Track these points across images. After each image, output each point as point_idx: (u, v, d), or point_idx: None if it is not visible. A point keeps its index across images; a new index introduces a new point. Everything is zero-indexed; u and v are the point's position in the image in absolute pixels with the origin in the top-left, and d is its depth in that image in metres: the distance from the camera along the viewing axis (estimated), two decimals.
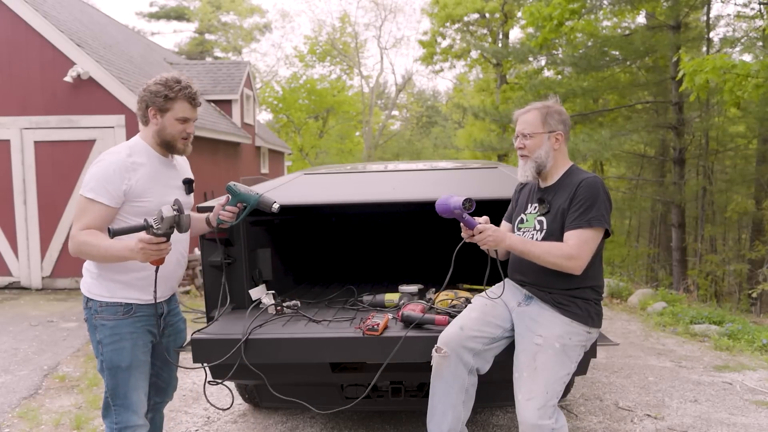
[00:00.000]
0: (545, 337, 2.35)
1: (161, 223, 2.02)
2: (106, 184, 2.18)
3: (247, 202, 2.49)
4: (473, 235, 2.33)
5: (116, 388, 2.29)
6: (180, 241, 2.39)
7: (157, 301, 2.33)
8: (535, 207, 2.51)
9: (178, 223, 2.07)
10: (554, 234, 2.40)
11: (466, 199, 2.27)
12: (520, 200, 2.63)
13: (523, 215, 2.56)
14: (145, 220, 2.03)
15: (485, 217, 2.38)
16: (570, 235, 2.34)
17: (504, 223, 2.72)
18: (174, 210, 2.05)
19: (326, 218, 4.49)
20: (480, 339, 2.41)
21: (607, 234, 2.39)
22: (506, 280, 2.56)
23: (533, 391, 2.29)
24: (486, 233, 2.30)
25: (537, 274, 2.44)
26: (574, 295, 2.40)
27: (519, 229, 2.55)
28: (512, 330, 2.48)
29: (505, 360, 2.49)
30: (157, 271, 2.21)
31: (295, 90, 27.30)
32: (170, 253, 2.19)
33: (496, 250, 2.44)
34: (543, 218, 2.46)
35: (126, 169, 2.22)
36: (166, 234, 2.06)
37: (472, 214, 2.35)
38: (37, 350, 5.40)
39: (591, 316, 2.42)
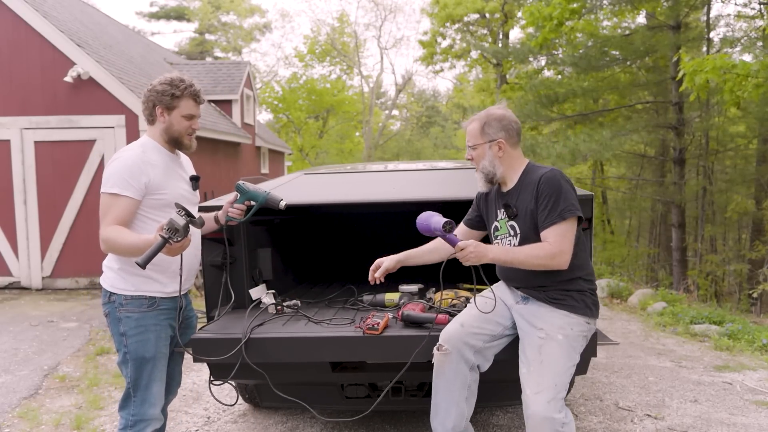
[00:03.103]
0: (547, 330, 2.37)
1: (177, 234, 2.08)
2: (129, 178, 2.26)
3: (255, 200, 2.56)
4: (455, 253, 2.36)
5: (139, 379, 2.35)
6: (194, 233, 2.46)
7: (179, 293, 2.42)
8: (503, 212, 2.54)
9: (192, 223, 2.14)
10: (529, 235, 2.42)
11: (446, 222, 2.31)
12: (489, 208, 2.64)
13: (496, 223, 2.58)
14: (161, 236, 2.07)
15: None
16: (547, 234, 2.35)
17: (462, 226, 2.75)
18: (183, 216, 2.11)
19: (326, 218, 4.49)
20: (481, 336, 2.43)
21: (580, 220, 2.41)
22: (500, 282, 2.61)
23: (541, 384, 2.30)
24: (467, 250, 2.32)
25: (525, 277, 2.46)
26: (567, 288, 2.42)
27: (496, 237, 2.58)
28: (512, 327, 2.50)
29: (505, 359, 2.49)
30: (181, 258, 2.30)
31: (295, 90, 27.31)
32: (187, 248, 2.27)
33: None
34: (514, 222, 2.48)
35: (144, 163, 2.31)
36: (184, 237, 2.13)
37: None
38: (37, 350, 5.40)
39: (588, 307, 2.44)
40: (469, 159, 2.54)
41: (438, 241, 2.67)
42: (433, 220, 2.35)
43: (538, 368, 2.33)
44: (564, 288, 2.41)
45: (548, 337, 2.35)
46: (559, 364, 2.33)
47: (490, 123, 2.47)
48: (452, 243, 2.36)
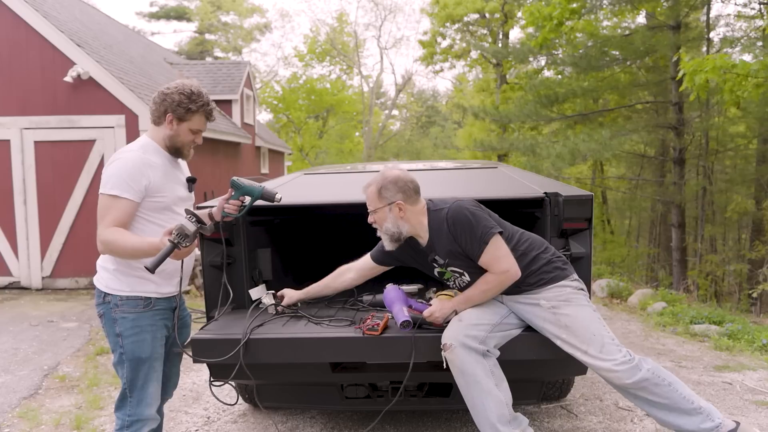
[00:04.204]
0: (548, 302, 2.48)
1: (187, 239, 2.11)
2: (128, 180, 2.24)
3: (251, 195, 2.56)
4: (425, 319, 2.54)
5: (135, 380, 2.34)
6: None
7: (173, 294, 2.42)
8: (437, 266, 2.63)
9: (201, 229, 2.19)
10: (474, 269, 2.52)
11: (405, 321, 2.49)
12: (420, 263, 2.72)
13: (438, 270, 2.66)
14: (170, 241, 2.09)
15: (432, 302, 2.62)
16: (483, 262, 2.47)
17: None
18: (193, 222, 2.14)
19: (326, 218, 4.49)
20: (481, 326, 2.47)
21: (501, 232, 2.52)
22: None
23: (583, 343, 2.40)
24: (434, 316, 2.51)
25: None
26: (535, 270, 2.52)
27: (447, 281, 2.68)
28: (508, 317, 2.56)
29: (506, 360, 2.50)
30: (182, 262, 2.32)
31: (295, 90, 27.32)
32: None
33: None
34: (453, 267, 2.58)
35: (144, 165, 2.29)
36: (193, 242, 2.18)
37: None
38: (37, 350, 5.40)
39: (561, 269, 2.55)
40: (371, 222, 2.62)
41: (331, 278, 2.90)
42: (394, 309, 2.57)
43: (568, 334, 2.42)
44: (533, 272, 2.52)
45: (553, 305, 2.46)
46: (582, 318, 2.43)
47: (386, 186, 2.55)
48: (419, 311, 2.57)
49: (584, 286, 2.60)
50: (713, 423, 2.42)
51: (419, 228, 2.57)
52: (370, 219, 2.62)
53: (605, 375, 2.41)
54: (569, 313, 2.43)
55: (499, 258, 2.44)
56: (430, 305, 2.58)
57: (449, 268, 2.59)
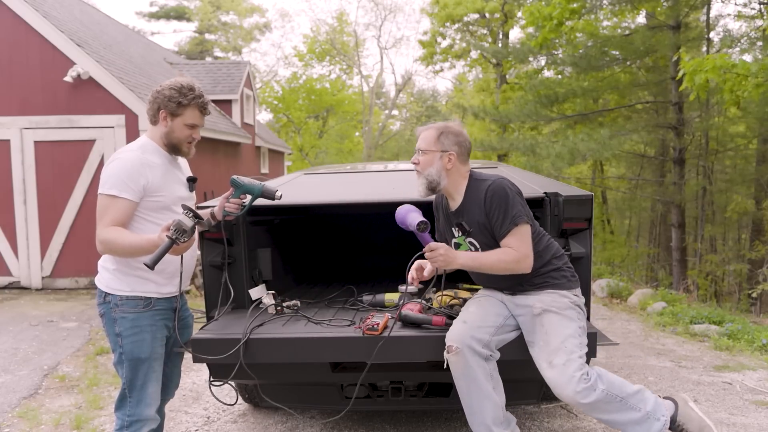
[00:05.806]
0: (541, 306, 2.46)
1: (185, 234, 2.12)
2: (127, 180, 2.25)
3: (251, 193, 2.56)
4: (424, 251, 2.46)
5: (134, 380, 2.34)
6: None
7: (174, 294, 2.42)
8: (458, 231, 2.60)
9: (199, 224, 2.19)
10: (491, 246, 2.50)
11: (421, 222, 2.40)
12: (444, 226, 2.70)
13: (455, 240, 2.64)
14: (168, 237, 2.10)
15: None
16: (507, 242, 2.43)
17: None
18: (191, 217, 2.15)
19: (326, 218, 4.49)
20: (485, 329, 2.46)
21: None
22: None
23: (552, 352, 2.38)
24: (437, 252, 2.41)
25: (503, 282, 2.57)
26: (542, 273, 2.52)
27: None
28: (509, 318, 2.56)
29: (505, 361, 2.50)
30: (182, 259, 2.32)
31: (294, 90, 27.32)
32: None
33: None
34: (471, 239, 2.56)
35: (143, 165, 2.30)
36: (191, 237, 2.18)
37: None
38: (37, 350, 5.40)
39: (568, 279, 2.54)
40: (414, 163, 2.58)
41: None
42: (409, 216, 2.45)
43: (544, 339, 2.41)
44: (541, 273, 2.51)
45: (544, 311, 2.45)
46: (563, 330, 2.41)
47: (447, 134, 2.53)
48: (424, 242, 2.45)
49: (582, 303, 2.57)
50: (660, 423, 2.43)
51: (456, 189, 2.55)
52: (414, 159, 2.58)
53: (553, 387, 2.37)
54: (552, 323, 2.42)
55: (523, 242, 2.43)
56: (439, 245, 2.46)
57: (468, 239, 2.56)
